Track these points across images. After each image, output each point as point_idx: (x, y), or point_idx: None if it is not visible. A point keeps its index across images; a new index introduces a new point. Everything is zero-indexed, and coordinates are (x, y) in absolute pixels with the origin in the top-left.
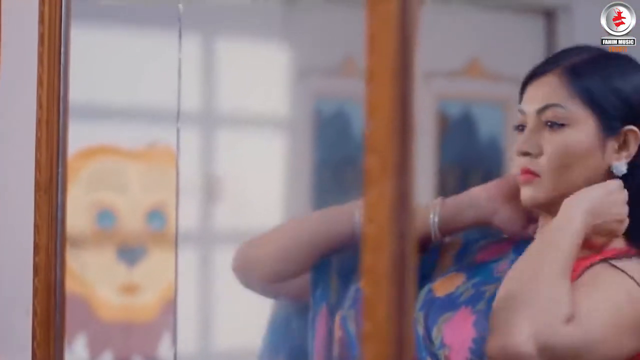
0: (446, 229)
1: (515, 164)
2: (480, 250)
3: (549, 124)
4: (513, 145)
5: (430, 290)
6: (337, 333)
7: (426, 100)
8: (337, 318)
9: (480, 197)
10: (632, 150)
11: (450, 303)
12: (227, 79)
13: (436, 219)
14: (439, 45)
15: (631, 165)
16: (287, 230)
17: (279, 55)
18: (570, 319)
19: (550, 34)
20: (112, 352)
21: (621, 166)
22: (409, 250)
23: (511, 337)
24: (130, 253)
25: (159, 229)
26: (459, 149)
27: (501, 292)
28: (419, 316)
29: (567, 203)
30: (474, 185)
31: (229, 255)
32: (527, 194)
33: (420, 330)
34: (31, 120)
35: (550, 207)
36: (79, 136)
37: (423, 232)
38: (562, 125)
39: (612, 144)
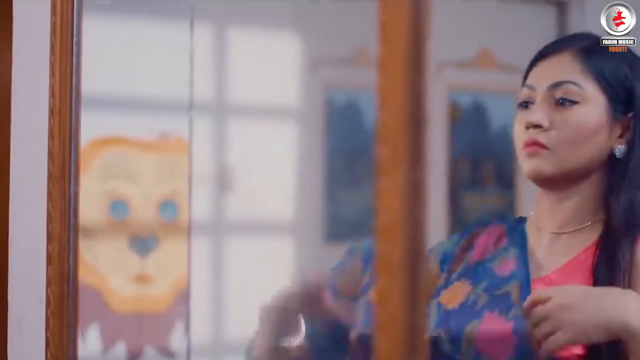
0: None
1: (518, 138)
2: (465, 249)
3: (560, 100)
4: (518, 120)
5: (439, 305)
6: (356, 351)
7: (437, 91)
8: (354, 337)
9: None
10: (630, 136)
11: (469, 312)
12: (238, 69)
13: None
14: (450, 35)
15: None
16: None
17: (290, 45)
18: None
19: (562, 24)
20: (124, 342)
21: (622, 150)
22: (422, 240)
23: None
24: (142, 243)
25: (171, 219)
26: (470, 140)
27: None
28: (440, 334)
29: None
30: (485, 176)
31: (241, 245)
32: (533, 165)
33: (447, 346)
34: (44, 109)
35: (553, 182)
36: (91, 126)
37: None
38: (574, 102)
39: (617, 128)
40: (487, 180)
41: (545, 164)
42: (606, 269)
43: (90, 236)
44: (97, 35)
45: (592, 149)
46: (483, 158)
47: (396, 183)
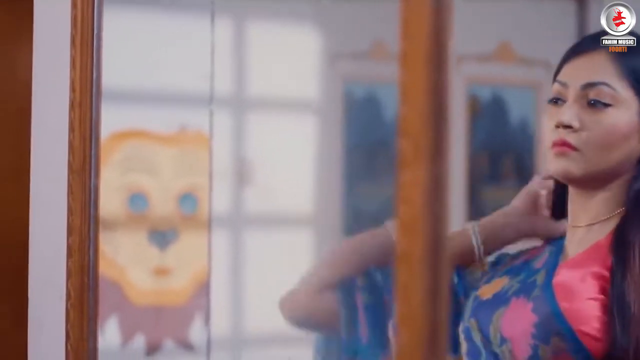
0: (490, 250)
1: (547, 136)
2: (515, 257)
3: (592, 101)
4: (548, 116)
5: (476, 297)
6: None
7: (457, 84)
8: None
9: (512, 217)
10: None
11: (499, 300)
12: (258, 63)
13: (480, 244)
14: (470, 28)
15: None
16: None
17: (309, 38)
18: None
19: (582, 17)
20: (143, 334)
21: None
22: (443, 234)
23: None
24: (161, 236)
25: (191, 212)
26: (490, 133)
27: None
28: (472, 324)
29: None
30: (504, 169)
31: (260, 238)
32: (561, 166)
33: (477, 336)
34: (64, 103)
35: (582, 182)
36: (111, 119)
37: (465, 254)
38: (607, 104)
39: None
40: (507, 173)
41: (573, 165)
42: (619, 247)
43: (110, 229)
44: (117, 28)
45: (621, 153)
46: (502, 151)
47: (417, 177)
